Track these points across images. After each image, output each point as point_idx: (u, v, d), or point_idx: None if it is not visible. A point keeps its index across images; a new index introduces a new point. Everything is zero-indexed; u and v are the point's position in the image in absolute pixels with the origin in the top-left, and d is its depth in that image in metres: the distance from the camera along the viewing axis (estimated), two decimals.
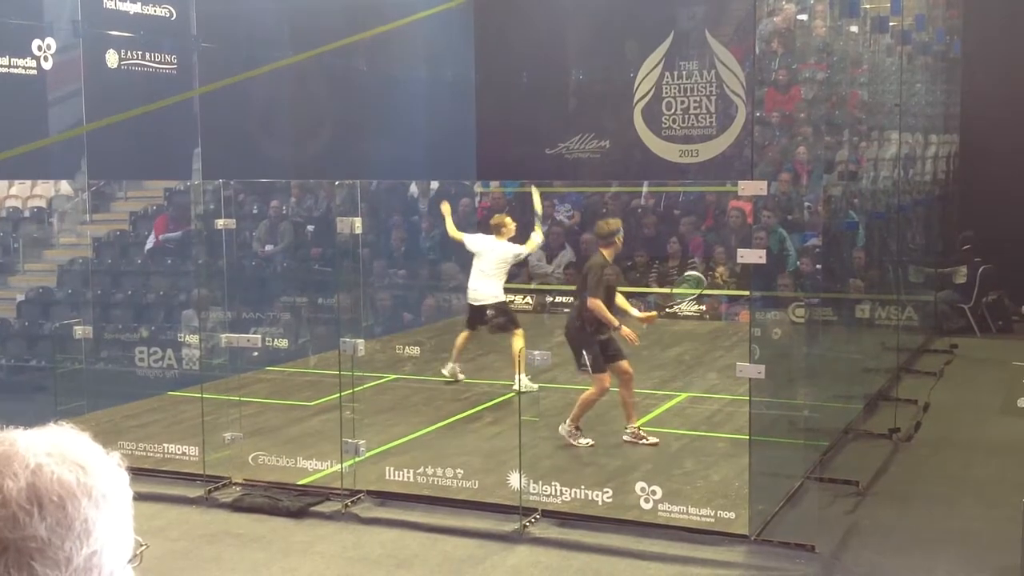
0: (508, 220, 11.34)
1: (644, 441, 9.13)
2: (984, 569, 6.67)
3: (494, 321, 11.09)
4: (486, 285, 11.09)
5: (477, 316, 11.18)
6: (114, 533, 1.40)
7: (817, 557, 6.88)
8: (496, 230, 11.21)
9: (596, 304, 8.83)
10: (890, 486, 8.35)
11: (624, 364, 9.15)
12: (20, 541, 1.31)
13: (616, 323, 8.96)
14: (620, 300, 9.33)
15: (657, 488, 7.39)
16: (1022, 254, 14.60)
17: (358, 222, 8.27)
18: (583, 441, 9.10)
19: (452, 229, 11.75)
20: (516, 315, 11.47)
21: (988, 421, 9.66)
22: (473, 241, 11.43)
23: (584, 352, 8.99)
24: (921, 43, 13.11)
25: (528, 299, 15.66)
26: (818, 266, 9.20)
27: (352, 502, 7.94)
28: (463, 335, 11.36)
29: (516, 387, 9.83)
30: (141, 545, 1.45)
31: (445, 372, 11.40)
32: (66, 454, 1.38)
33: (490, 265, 11.11)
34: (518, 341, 10.72)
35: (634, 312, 9.44)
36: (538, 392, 9.94)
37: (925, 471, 8.78)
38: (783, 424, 8.57)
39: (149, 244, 14.05)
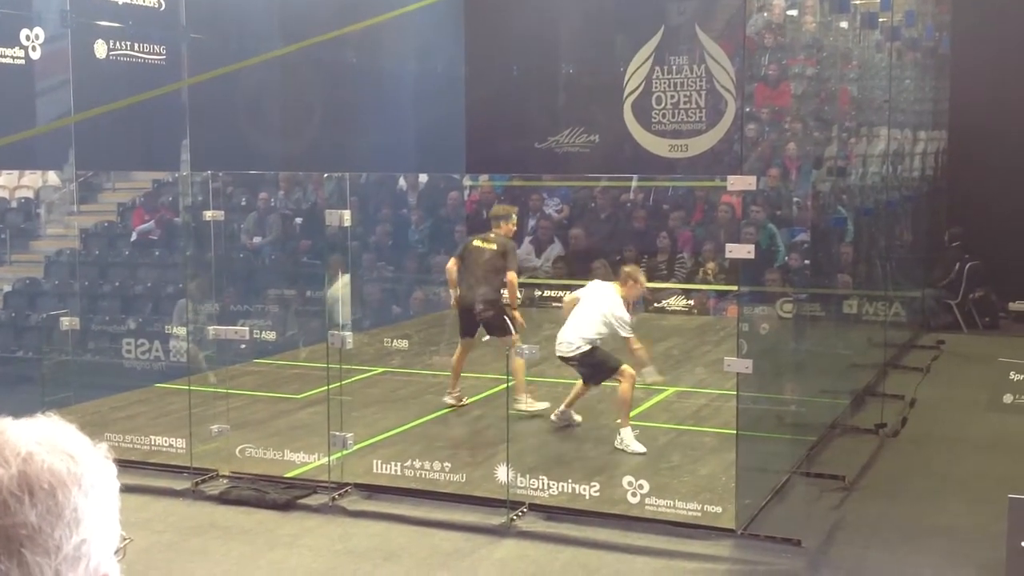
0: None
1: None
2: (969, 564, 6.70)
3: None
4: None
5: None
6: (102, 523, 1.40)
7: (803, 551, 6.90)
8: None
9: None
10: (876, 481, 8.38)
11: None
12: (10, 528, 1.31)
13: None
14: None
15: (644, 482, 7.40)
16: (1009, 250, 14.67)
17: (347, 215, 8.26)
18: (541, 404, 9.64)
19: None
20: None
21: (974, 417, 9.70)
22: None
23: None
24: (910, 39, 13.14)
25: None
26: (806, 261, 9.22)
27: (339, 495, 7.93)
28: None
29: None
30: (125, 539, 1.45)
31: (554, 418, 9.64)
32: (56, 443, 1.38)
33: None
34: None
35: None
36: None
37: (911, 466, 8.81)
38: (770, 419, 8.60)
39: (133, 238, 14.03)
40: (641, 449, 8.69)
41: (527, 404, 9.67)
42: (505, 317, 9.84)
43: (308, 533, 7.40)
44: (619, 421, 8.86)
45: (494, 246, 9.92)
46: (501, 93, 17.33)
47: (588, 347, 8.95)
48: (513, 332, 9.73)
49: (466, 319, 10.07)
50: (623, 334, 8.90)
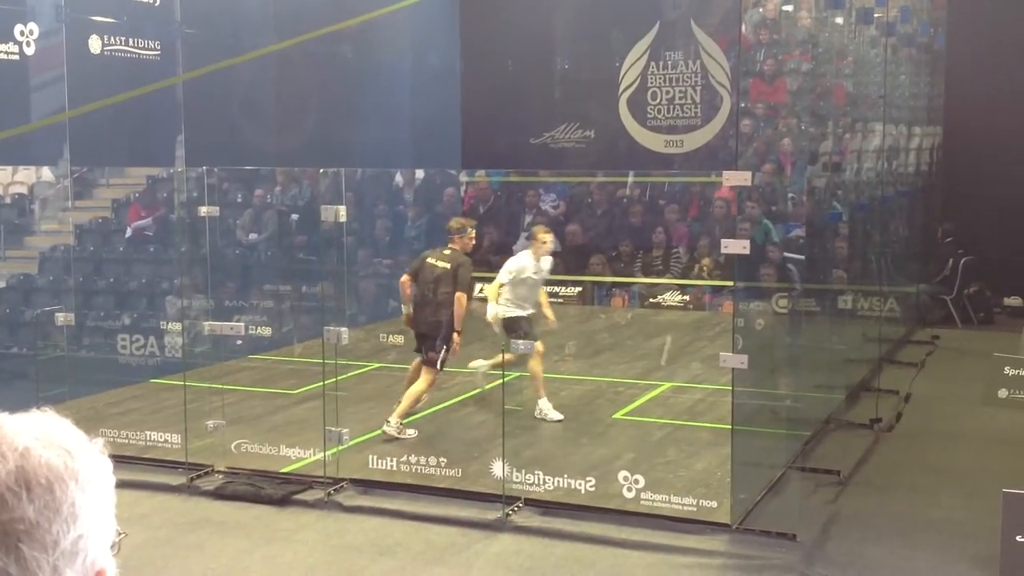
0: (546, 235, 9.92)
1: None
2: (964, 558, 6.72)
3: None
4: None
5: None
6: (99, 518, 1.40)
7: (798, 546, 6.91)
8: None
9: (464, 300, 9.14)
10: (871, 476, 8.40)
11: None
12: (8, 523, 1.31)
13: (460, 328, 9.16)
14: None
15: (640, 477, 7.41)
16: (1003, 246, 14.69)
17: (343, 210, 8.26)
18: (410, 432, 9.09)
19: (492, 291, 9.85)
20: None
21: (969, 412, 9.72)
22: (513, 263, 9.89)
23: (445, 346, 9.13)
24: (905, 35, 13.16)
25: None
26: (785, 254, 9.23)
27: (335, 490, 7.94)
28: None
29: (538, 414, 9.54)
30: (120, 534, 1.45)
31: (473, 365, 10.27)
32: (53, 438, 1.38)
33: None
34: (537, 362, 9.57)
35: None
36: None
37: (906, 461, 8.83)
38: (765, 414, 8.61)
39: (128, 234, 14.01)
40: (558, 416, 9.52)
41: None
42: (443, 341, 9.21)
43: (304, 528, 7.40)
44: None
45: (447, 264, 9.23)
46: (497, 89, 17.33)
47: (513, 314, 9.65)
48: (437, 360, 9.21)
49: (418, 339, 9.49)
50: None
